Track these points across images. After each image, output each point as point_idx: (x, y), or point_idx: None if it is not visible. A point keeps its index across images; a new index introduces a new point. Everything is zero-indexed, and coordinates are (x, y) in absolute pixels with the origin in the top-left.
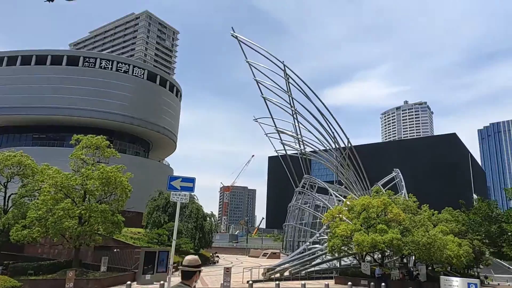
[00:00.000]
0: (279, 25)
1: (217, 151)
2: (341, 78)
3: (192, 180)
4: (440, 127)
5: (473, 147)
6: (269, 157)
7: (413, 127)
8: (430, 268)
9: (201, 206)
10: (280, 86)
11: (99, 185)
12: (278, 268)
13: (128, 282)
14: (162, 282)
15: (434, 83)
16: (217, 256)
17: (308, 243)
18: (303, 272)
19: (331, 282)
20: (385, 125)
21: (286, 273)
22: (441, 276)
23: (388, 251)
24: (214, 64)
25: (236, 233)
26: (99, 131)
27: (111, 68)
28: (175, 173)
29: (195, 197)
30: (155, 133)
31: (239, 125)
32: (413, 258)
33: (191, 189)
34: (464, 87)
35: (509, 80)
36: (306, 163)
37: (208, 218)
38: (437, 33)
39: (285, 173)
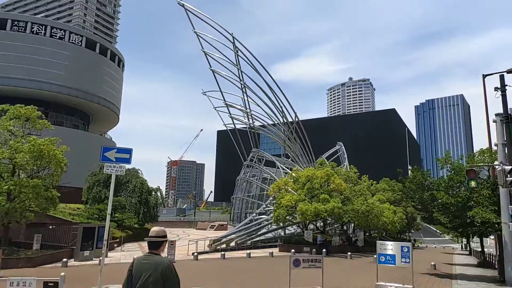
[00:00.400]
0: None
1: (165, 125)
2: (290, 54)
3: (128, 151)
4: (382, 103)
5: (410, 122)
6: (218, 131)
7: (357, 102)
8: (367, 234)
9: (145, 180)
10: (229, 59)
11: (29, 158)
12: (224, 239)
13: (65, 259)
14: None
15: (377, 61)
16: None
17: (254, 214)
18: (249, 242)
19: (275, 250)
20: (331, 101)
21: (232, 244)
22: (377, 241)
23: (330, 219)
24: (161, 34)
25: (184, 207)
26: (32, 102)
27: (45, 34)
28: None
29: (139, 171)
30: (95, 104)
31: (188, 99)
32: (353, 225)
33: (128, 160)
34: (404, 65)
35: (444, 59)
36: (254, 137)
37: (153, 193)
38: (382, 11)
39: (234, 147)
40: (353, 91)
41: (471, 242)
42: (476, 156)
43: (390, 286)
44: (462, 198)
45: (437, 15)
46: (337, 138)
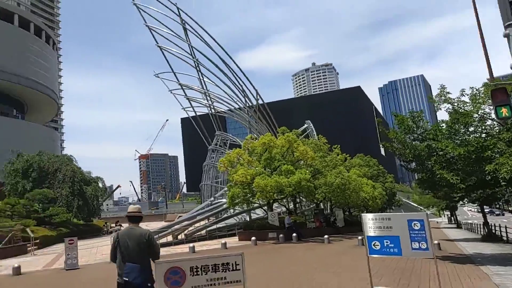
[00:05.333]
0: None
1: (134, 120)
2: (253, 42)
3: None
4: (346, 87)
5: (376, 104)
6: (181, 118)
7: (322, 87)
8: (347, 212)
9: (79, 168)
10: (177, 34)
11: None
12: (165, 232)
13: None
14: None
15: (339, 46)
16: (120, 225)
17: (212, 198)
18: (204, 231)
19: (234, 239)
20: (297, 87)
21: (182, 236)
22: (363, 214)
23: (300, 197)
24: (118, 27)
25: (159, 200)
26: None
27: None
28: (67, 140)
29: (72, 158)
30: (27, 89)
31: (154, 91)
32: (329, 204)
33: None
34: (365, 50)
35: (402, 44)
36: (217, 120)
37: (93, 183)
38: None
39: (199, 133)
40: (317, 76)
41: (455, 215)
42: (481, 92)
43: None
44: (475, 147)
45: (393, 1)
46: (305, 119)
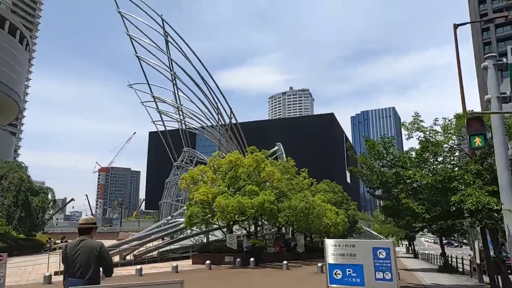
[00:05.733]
0: None
1: (99, 130)
2: (233, 62)
3: None
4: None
5: (347, 132)
6: (150, 132)
7: (297, 111)
8: (308, 238)
9: (28, 177)
10: (158, 46)
11: None
12: (111, 252)
13: None
14: None
15: (316, 74)
16: (66, 241)
17: (169, 217)
18: (155, 252)
19: (188, 262)
20: (272, 109)
21: (131, 257)
22: (326, 240)
23: (262, 220)
24: (98, 33)
25: (114, 216)
26: None
27: None
28: (27, 146)
29: (23, 165)
30: None
31: (126, 102)
32: (291, 229)
33: None
34: (341, 79)
35: (376, 76)
36: (186, 136)
37: (41, 193)
38: (324, 28)
39: (165, 148)
40: (293, 100)
41: (413, 245)
42: (453, 123)
43: None
44: (443, 177)
45: (372, 35)
46: (277, 141)
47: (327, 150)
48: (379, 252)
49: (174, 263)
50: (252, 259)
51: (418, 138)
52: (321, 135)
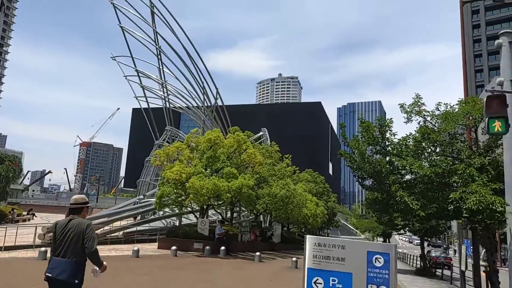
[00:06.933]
0: None
1: (82, 104)
2: (224, 44)
3: None
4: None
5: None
6: (133, 109)
7: (284, 98)
8: (285, 229)
9: None
10: (144, 18)
11: None
12: None
13: None
14: None
15: (306, 62)
16: (32, 214)
17: (141, 196)
18: (121, 232)
19: (154, 246)
20: (260, 94)
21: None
22: (308, 236)
23: (240, 205)
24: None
25: (92, 192)
26: None
27: None
28: (2, 114)
29: None
30: None
31: (111, 78)
32: (269, 217)
33: None
34: (330, 70)
35: (365, 69)
36: (170, 114)
37: (7, 161)
38: (317, 16)
39: (148, 126)
40: (281, 87)
41: (388, 241)
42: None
43: None
44: (443, 169)
45: (363, 27)
46: (262, 126)
47: (312, 139)
48: (376, 258)
49: (138, 246)
50: (222, 247)
51: (419, 123)
52: (307, 123)
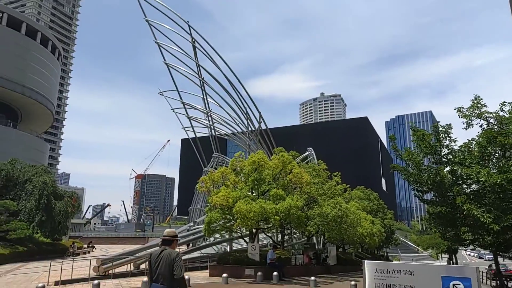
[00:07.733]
0: (202, 11)
1: (136, 139)
2: (264, 71)
3: None
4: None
5: (382, 138)
6: (182, 139)
7: (328, 117)
8: (340, 249)
9: (53, 180)
10: (186, 53)
11: None
12: (123, 260)
13: None
14: None
15: (347, 79)
16: (92, 246)
17: (192, 223)
18: None
19: (205, 273)
20: (303, 115)
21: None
22: (366, 261)
23: (291, 228)
24: (131, 46)
25: (148, 222)
26: None
27: None
28: (67, 155)
29: (48, 169)
30: (24, 97)
31: (159, 112)
32: (323, 239)
33: None
34: (373, 84)
35: (410, 80)
36: (216, 142)
37: (66, 197)
38: (353, 33)
39: (196, 155)
40: (325, 106)
41: (456, 259)
42: None
43: None
44: None
45: (404, 38)
46: (308, 146)
47: (361, 156)
48: (454, 285)
49: (189, 274)
50: (275, 273)
51: (481, 126)
52: (354, 140)
